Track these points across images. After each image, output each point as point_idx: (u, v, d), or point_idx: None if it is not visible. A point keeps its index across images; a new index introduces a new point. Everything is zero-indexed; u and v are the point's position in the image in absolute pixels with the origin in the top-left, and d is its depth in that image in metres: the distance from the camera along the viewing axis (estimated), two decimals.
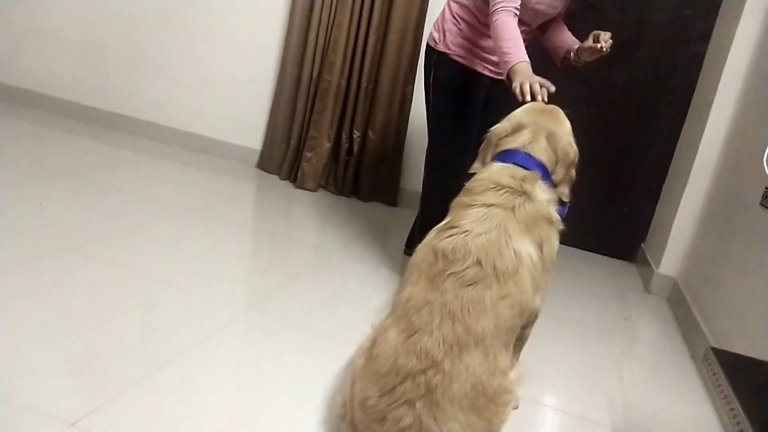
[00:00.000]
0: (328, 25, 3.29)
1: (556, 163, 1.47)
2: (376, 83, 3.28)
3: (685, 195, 2.67)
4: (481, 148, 1.58)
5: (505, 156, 1.49)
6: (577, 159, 1.49)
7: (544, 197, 1.39)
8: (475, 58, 2.13)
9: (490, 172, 1.42)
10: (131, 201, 2.68)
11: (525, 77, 1.67)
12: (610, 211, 3.17)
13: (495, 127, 1.55)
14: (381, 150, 3.35)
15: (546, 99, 1.63)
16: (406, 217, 3.23)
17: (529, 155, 1.46)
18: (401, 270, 2.41)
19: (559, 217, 1.41)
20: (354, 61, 3.26)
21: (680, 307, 2.49)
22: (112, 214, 2.47)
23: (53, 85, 3.97)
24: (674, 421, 1.69)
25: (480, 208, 1.32)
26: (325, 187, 3.48)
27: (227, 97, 3.68)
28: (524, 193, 1.35)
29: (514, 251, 1.24)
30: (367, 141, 3.35)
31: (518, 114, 1.54)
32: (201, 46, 3.66)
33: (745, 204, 2.11)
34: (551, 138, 1.47)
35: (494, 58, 2.03)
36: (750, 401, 1.06)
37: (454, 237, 1.26)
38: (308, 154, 3.38)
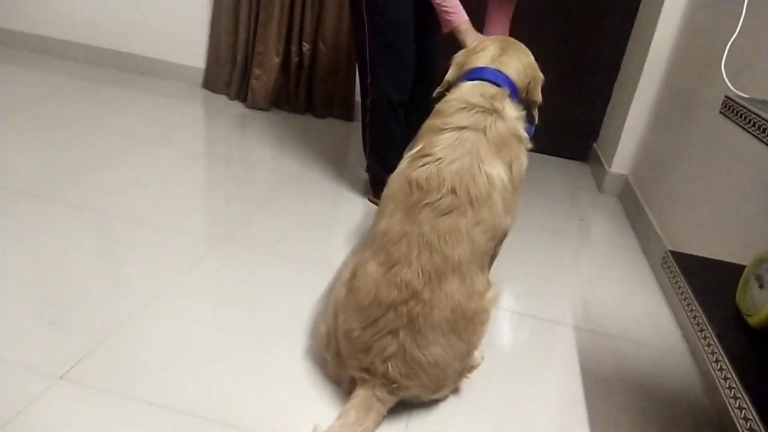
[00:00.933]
0: None
1: (525, 81, 1.49)
2: None
3: (636, 94, 2.72)
4: (449, 67, 1.57)
5: (474, 73, 1.48)
6: (542, 82, 1.52)
7: (513, 115, 1.40)
8: None
9: (460, 92, 1.42)
10: (79, 134, 2.54)
11: (476, 38, 1.84)
12: (562, 113, 3.21)
13: (462, 50, 1.56)
14: (333, 62, 3.24)
15: None
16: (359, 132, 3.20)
17: (498, 71, 1.47)
18: (363, 189, 2.42)
19: (527, 135, 1.43)
20: None
21: (631, 204, 2.62)
22: (63, 150, 2.35)
23: None
24: (631, 315, 1.84)
25: (451, 132, 1.32)
26: (277, 106, 3.37)
27: (161, 12, 3.43)
28: (495, 111, 1.36)
29: (487, 176, 1.26)
30: (317, 53, 3.23)
31: (485, 40, 1.53)
32: None
33: (698, 105, 2.17)
34: (518, 56, 1.47)
35: None
36: (708, 301, 1.15)
37: (427, 166, 1.26)
38: (257, 71, 3.24)
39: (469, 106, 1.36)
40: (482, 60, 1.52)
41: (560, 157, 3.31)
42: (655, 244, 2.19)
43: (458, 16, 1.93)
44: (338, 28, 3.17)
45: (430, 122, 1.40)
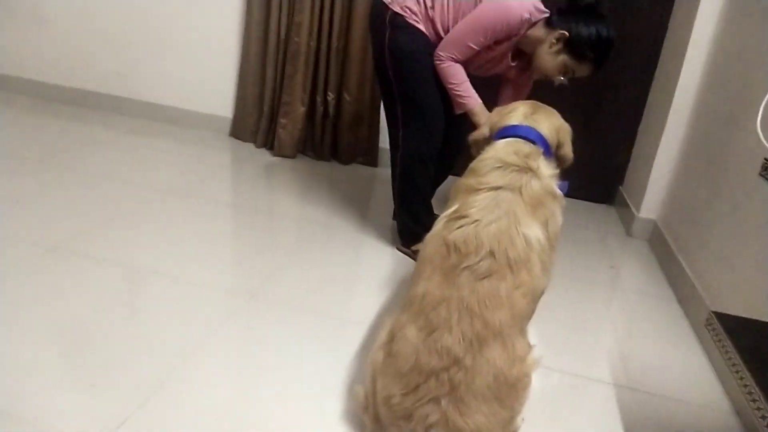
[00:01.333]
0: None
1: (556, 139, 1.51)
2: (347, 42, 3.18)
3: (663, 139, 2.72)
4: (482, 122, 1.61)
5: (507, 131, 1.51)
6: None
7: (548, 173, 1.41)
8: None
9: (495, 150, 1.43)
10: (107, 186, 2.60)
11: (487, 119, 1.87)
12: (587, 156, 3.19)
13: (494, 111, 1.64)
14: (357, 111, 3.29)
15: None
16: (388, 176, 3.22)
17: (531, 128, 1.49)
18: (392, 238, 2.42)
19: (561, 193, 1.43)
20: (322, 21, 3.14)
21: (663, 250, 2.58)
22: (91, 204, 2.40)
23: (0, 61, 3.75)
24: (671, 371, 1.79)
25: (487, 193, 1.32)
26: (303, 153, 3.42)
27: (191, 63, 3.54)
28: (529, 170, 1.37)
29: (525, 237, 1.25)
30: (342, 102, 3.28)
31: (515, 102, 1.61)
32: (158, 11, 3.47)
33: (729, 155, 2.15)
34: (549, 116, 1.50)
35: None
36: (759, 368, 1.12)
37: (464, 228, 1.26)
38: (283, 121, 3.30)
39: (504, 165, 1.37)
40: (515, 118, 1.54)
41: (585, 200, 3.29)
42: (690, 294, 2.15)
43: (471, 100, 2.00)
44: (362, 78, 3.23)
45: (465, 181, 1.41)
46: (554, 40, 1.90)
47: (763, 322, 1.28)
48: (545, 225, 1.34)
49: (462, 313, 1.17)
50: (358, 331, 1.76)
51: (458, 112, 2.07)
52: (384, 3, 2.08)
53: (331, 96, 3.27)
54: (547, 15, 1.95)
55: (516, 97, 2.15)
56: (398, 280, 2.10)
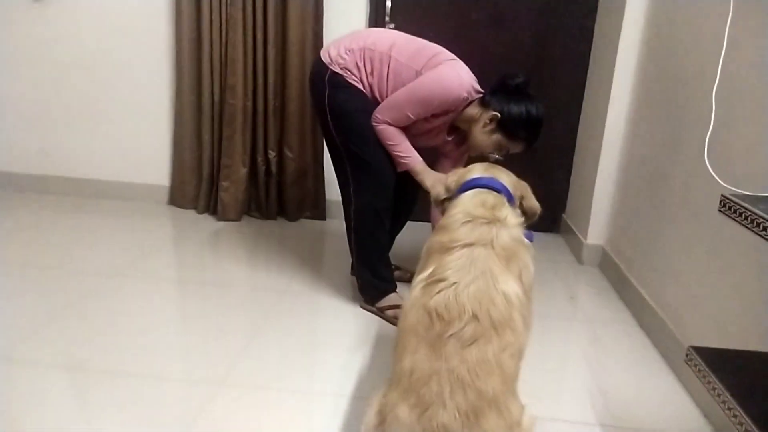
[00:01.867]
0: (221, 45, 3.11)
1: (517, 192, 1.54)
2: (283, 100, 3.17)
3: (600, 164, 2.81)
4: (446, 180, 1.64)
5: (471, 183, 1.53)
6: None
7: (515, 222, 1.43)
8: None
9: (462, 204, 1.45)
10: (40, 277, 2.42)
11: (435, 180, 1.97)
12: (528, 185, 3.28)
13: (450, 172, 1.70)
14: (300, 166, 3.26)
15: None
16: (339, 228, 3.19)
17: (493, 178, 1.52)
18: (353, 295, 2.37)
19: (529, 242, 1.44)
20: (257, 81, 3.12)
21: (615, 275, 2.65)
22: (30, 301, 2.22)
23: None
24: (650, 403, 1.81)
25: (461, 251, 1.32)
26: (248, 214, 3.34)
27: (122, 134, 3.41)
28: (497, 221, 1.38)
29: (504, 295, 1.24)
30: (284, 159, 3.24)
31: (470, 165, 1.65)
32: (83, 86, 3.34)
33: (669, 177, 2.25)
34: (505, 172, 1.56)
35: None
36: (745, 398, 1.14)
37: (444, 292, 1.24)
38: (225, 183, 3.21)
39: (473, 219, 1.38)
40: (475, 172, 1.57)
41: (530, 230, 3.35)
42: (650, 318, 2.20)
43: (412, 159, 2.03)
44: (301, 134, 3.21)
45: (437, 239, 1.39)
46: (488, 120, 1.97)
47: (740, 351, 1.32)
48: (520, 277, 1.34)
49: (454, 386, 1.13)
50: (340, 405, 1.69)
51: (400, 170, 2.08)
52: (324, 63, 2.08)
53: (272, 154, 3.22)
54: (482, 95, 2.01)
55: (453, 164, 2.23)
56: (370, 341, 2.05)
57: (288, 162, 3.24)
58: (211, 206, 3.32)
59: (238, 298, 2.35)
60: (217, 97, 3.17)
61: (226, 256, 2.79)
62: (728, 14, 1.59)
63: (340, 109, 2.07)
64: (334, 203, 3.35)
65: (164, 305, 2.27)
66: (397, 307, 2.17)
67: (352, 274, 2.55)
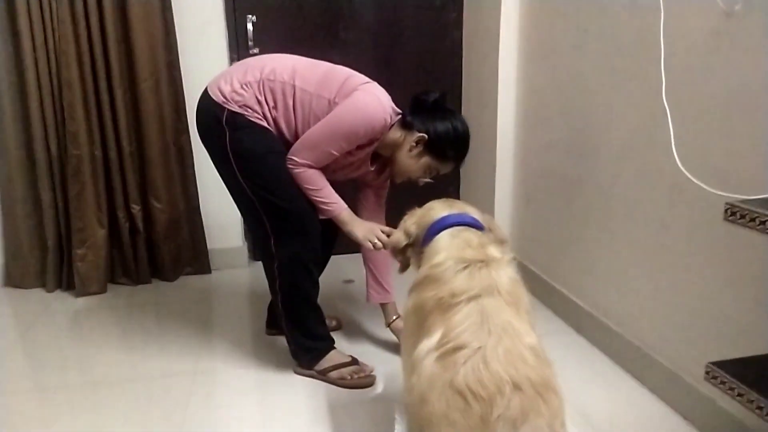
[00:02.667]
0: (52, 87, 2.56)
1: (486, 223, 1.40)
2: (140, 144, 2.70)
3: (497, 175, 2.79)
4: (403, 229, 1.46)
5: (441, 223, 1.32)
6: None
7: (507, 258, 1.27)
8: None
9: (445, 249, 1.26)
10: None
11: (366, 231, 1.80)
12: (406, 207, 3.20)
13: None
14: (172, 216, 2.82)
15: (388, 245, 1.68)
16: (230, 280, 2.81)
17: (463, 213, 1.36)
18: (280, 358, 2.04)
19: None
20: (104, 124, 2.63)
21: (538, 286, 2.61)
22: None
23: None
24: (624, 411, 1.76)
25: (467, 306, 1.12)
26: (115, 282, 2.80)
27: None
28: (493, 260, 1.22)
29: (532, 350, 1.07)
30: (151, 211, 2.78)
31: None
32: None
33: (587, 185, 2.26)
34: (466, 203, 1.45)
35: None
36: None
37: (469, 362, 1.02)
38: (79, 251, 2.66)
39: (468, 263, 1.19)
40: (439, 211, 1.38)
41: None
42: (589, 324, 2.19)
43: (336, 206, 1.81)
44: (168, 179, 2.77)
45: (429, 295, 1.18)
46: (414, 143, 1.78)
47: (750, 358, 1.29)
48: (528, 321, 1.17)
49: None
50: None
51: (322, 218, 1.84)
52: (216, 102, 1.76)
53: (135, 207, 2.74)
54: (401, 116, 1.83)
55: (377, 201, 2.06)
56: (326, 412, 1.75)
57: (156, 214, 2.77)
58: (65, 281, 2.73)
59: (132, 395, 1.89)
60: (54, 149, 2.61)
61: (97, 341, 2.27)
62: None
63: (247, 153, 1.76)
64: (217, 252, 2.95)
65: (18, 424, 1.74)
66: (342, 366, 1.90)
67: (269, 333, 2.23)
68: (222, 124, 1.75)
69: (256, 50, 2.84)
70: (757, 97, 1.40)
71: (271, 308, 2.19)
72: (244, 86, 1.75)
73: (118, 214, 2.71)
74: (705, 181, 1.40)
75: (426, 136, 1.77)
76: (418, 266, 1.38)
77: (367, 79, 1.80)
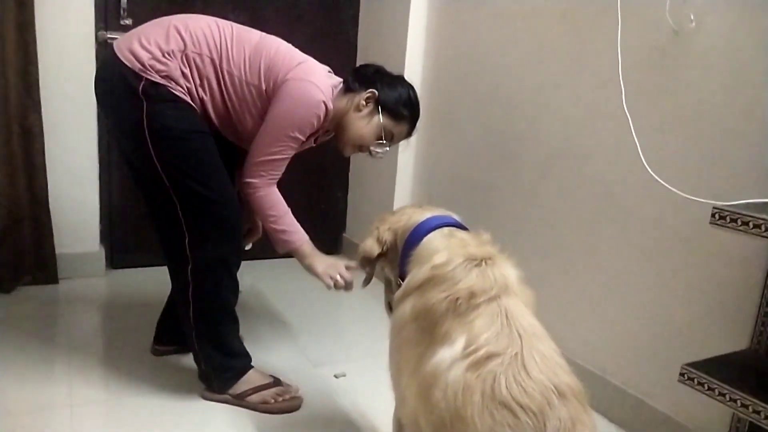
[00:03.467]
0: None
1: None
2: None
3: (397, 180, 2.73)
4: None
5: (426, 225, 1.18)
6: None
7: (504, 255, 1.15)
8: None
9: (447, 249, 1.12)
10: None
11: (326, 267, 1.59)
12: (308, 212, 3.01)
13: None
14: (12, 211, 2.29)
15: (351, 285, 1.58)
16: (81, 291, 2.36)
17: (449, 215, 1.24)
18: (177, 385, 1.71)
19: None
20: None
21: None
22: None
23: None
24: None
25: (489, 307, 1.01)
26: None
27: None
28: (496, 258, 1.11)
29: (556, 352, 0.99)
30: None
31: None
32: None
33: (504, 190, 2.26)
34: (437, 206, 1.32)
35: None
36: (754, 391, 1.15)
37: (508, 370, 0.91)
38: None
39: (477, 261, 1.08)
40: (419, 213, 1.26)
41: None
42: None
43: (297, 236, 1.60)
44: (10, 164, 2.25)
45: (437, 297, 1.04)
46: (364, 101, 1.61)
47: (729, 353, 1.35)
48: None
49: None
50: None
51: (281, 251, 1.62)
52: (130, 69, 1.46)
53: None
54: (342, 82, 1.66)
55: None
56: None
57: None
58: None
59: None
60: None
61: None
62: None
63: (168, 130, 1.47)
64: (67, 258, 2.46)
65: None
66: (263, 388, 1.65)
67: (157, 353, 1.89)
68: (138, 95, 1.45)
69: (128, 20, 2.45)
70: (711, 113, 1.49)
71: (165, 320, 1.85)
72: (167, 55, 1.47)
73: None
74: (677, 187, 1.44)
75: (375, 92, 1.61)
76: (395, 275, 1.24)
77: (298, 55, 1.60)
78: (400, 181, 2.73)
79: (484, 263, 1.07)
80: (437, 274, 1.07)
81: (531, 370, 0.92)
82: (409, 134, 1.71)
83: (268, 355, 1.93)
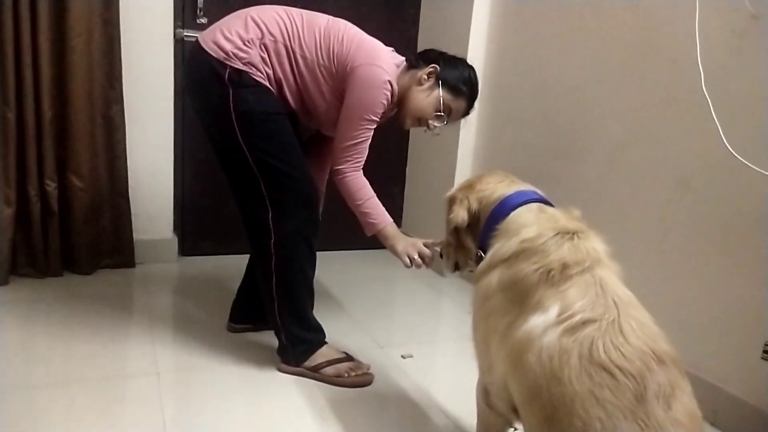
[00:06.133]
0: None
1: None
2: (64, 109, 2.30)
3: (456, 175, 2.75)
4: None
5: (514, 199, 1.21)
6: None
7: (593, 230, 1.16)
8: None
9: (537, 224, 1.13)
10: None
11: (406, 245, 1.65)
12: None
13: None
14: (95, 198, 2.42)
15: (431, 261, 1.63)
16: (158, 278, 2.47)
17: (533, 191, 1.25)
18: (256, 359, 1.79)
19: None
20: (22, 81, 2.18)
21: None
22: None
23: None
24: None
25: (582, 278, 1.02)
26: (17, 273, 2.32)
27: None
28: (587, 232, 1.12)
29: (650, 319, 1.00)
30: (71, 190, 2.37)
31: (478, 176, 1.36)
32: None
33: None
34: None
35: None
36: None
37: (607, 335, 0.93)
38: None
39: (571, 234, 1.09)
40: (505, 186, 1.28)
41: (370, 249, 3.13)
42: None
43: (383, 219, 1.68)
44: (94, 153, 2.38)
45: (529, 268, 1.06)
46: (425, 76, 1.67)
47: None
48: None
49: None
50: None
51: (368, 234, 1.70)
52: (215, 58, 1.56)
53: (51, 185, 2.30)
54: (404, 60, 1.72)
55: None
56: (327, 412, 1.54)
57: (76, 194, 2.36)
58: None
59: (92, 396, 1.54)
60: None
61: (17, 338, 1.84)
62: None
63: (252, 113, 1.57)
64: (143, 244, 2.58)
65: None
66: (337, 362, 1.71)
67: (233, 330, 1.98)
68: (224, 82, 1.55)
69: (203, 20, 2.56)
70: None
71: (240, 299, 1.94)
72: (247, 43, 1.57)
73: (29, 191, 2.26)
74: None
75: (437, 67, 1.67)
76: (477, 246, 1.27)
77: (365, 38, 1.67)
78: (459, 177, 2.76)
79: (576, 237, 1.09)
80: (527, 247, 1.09)
81: (628, 335, 0.93)
82: (466, 112, 1.76)
83: (336, 337, 1.99)
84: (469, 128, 2.69)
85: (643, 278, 1.88)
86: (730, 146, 1.46)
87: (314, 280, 1.72)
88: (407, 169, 3.20)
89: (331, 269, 2.69)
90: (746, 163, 1.39)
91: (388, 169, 3.13)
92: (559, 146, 2.26)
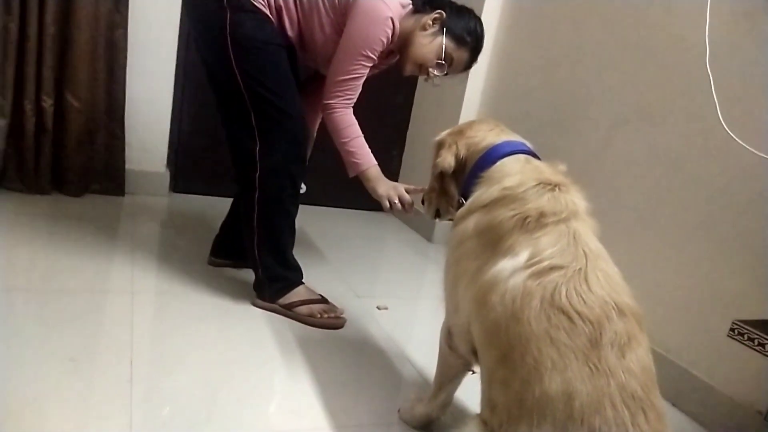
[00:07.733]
0: None
1: None
2: (66, 24, 2.27)
3: None
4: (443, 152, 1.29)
5: (501, 148, 1.19)
6: None
7: (576, 185, 1.15)
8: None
9: (521, 173, 1.12)
10: None
11: (388, 188, 1.64)
12: None
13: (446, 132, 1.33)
14: (90, 120, 2.41)
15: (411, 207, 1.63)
16: (147, 208, 2.47)
17: (521, 142, 1.24)
18: (231, 291, 1.80)
19: None
20: None
21: None
22: None
23: None
24: None
25: (557, 228, 1.02)
26: (5, 186, 2.32)
27: None
28: (570, 186, 1.11)
29: (617, 273, 1.00)
30: (67, 110, 2.35)
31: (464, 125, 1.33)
32: None
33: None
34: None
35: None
36: None
37: (571, 282, 0.93)
38: None
39: (552, 186, 1.08)
40: (493, 134, 1.26)
41: (364, 209, 3.13)
42: None
43: (367, 160, 1.66)
44: (93, 75, 2.36)
45: (505, 214, 1.05)
46: (430, 22, 1.63)
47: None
48: None
49: (633, 408, 0.85)
50: None
51: (351, 175, 1.68)
52: None
53: (47, 101, 2.29)
54: (410, 3, 1.69)
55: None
56: (293, 347, 1.55)
57: (72, 114, 2.35)
58: None
59: (63, 306, 1.55)
60: None
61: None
62: None
63: (248, 39, 1.54)
64: (135, 174, 2.57)
65: None
66: (311, 302, 1.72)
67: (213, 263, 1.98)
68: (222, 5, 1.52)
69: None
70: None
71: (223, 234, 1.94)
72: None
73: (25, 105, 2.25)
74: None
75: (443, 13, 1.63)
76: (460, 194, 1.26)
77: None
78: None
79: (557, 189, 1.08)
80: (508, 194, 1.08)
81: (592, 284, 0.93)
82: (469, 65, 1.72)
83: (315, 283, 2.00)
84: (474, 96, 2.67)
85: (625, 256, 1.87)
86: (727, 126, 1.44)
87: (302, 232, 1.71)
88: (408, 133, 3.18)
89: (322, 224, 2.69)
90: (740, 142, 1.38)
91: (390, 130, 3.11)
92: (559, 119, 2.24)
